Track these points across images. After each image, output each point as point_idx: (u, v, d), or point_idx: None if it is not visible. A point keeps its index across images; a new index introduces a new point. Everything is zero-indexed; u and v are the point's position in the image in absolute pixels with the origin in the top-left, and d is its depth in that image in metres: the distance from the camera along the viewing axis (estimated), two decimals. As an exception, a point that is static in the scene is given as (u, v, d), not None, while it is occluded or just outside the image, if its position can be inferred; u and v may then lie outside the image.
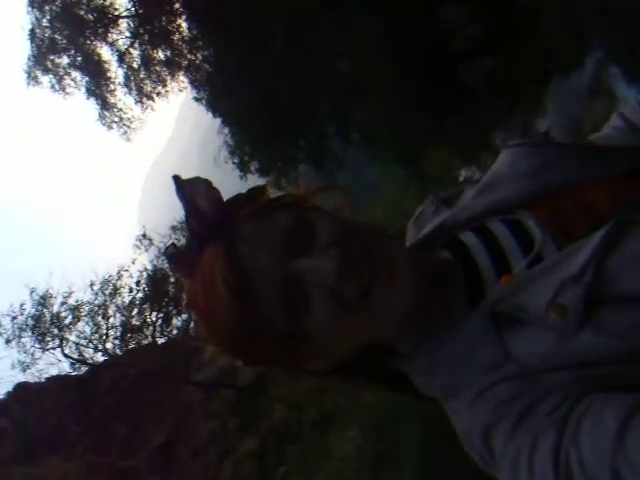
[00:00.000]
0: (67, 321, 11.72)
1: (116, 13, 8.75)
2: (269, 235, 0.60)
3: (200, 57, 9.14)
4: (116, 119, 9.93)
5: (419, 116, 7.98)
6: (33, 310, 11.47)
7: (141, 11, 8.56)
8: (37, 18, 8.64)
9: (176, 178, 0.63)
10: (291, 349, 0.61)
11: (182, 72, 9.47)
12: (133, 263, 12.37)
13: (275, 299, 0.58)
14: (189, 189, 0.62)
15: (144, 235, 12.51)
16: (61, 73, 9.15)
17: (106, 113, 9.82)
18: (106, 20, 8.66)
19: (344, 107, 9.32)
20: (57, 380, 12.14)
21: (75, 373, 12.27)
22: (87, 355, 12.01)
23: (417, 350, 0.64)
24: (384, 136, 8.65)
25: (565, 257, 0.58)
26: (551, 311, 0.55)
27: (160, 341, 12.43)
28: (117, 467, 10.12)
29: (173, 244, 0.67)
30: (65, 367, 11.96)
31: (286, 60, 8.07)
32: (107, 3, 8.62)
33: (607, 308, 0.54)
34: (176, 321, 12.57)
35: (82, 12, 8.60)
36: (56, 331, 11.59)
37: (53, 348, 11.56)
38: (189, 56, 9.20)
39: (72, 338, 11.80)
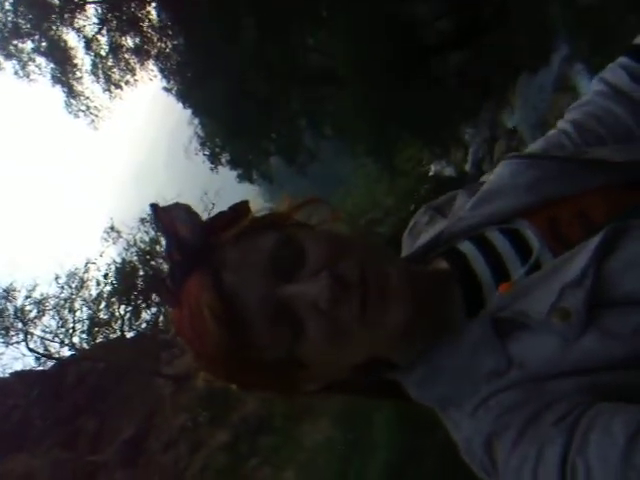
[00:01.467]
0: (32, 315, 11.45)
1: (83, -2, 8.51)
2: (255, 260, 0.58)
3: (170, 46, 8.98)
4: (83, 107, 9.69)
5: (390, 109, 8.02)
6: (-4, 304, 11.17)
7: (109, -3, 8.35)
8: (0, 1, 8.34)
9: (154, 206, 0.61)
10: (285, 375, 0.60)
11: (151, 61, 9.28)
12: (101, 256, 12.13)
13: (266, 327, 0.56)
14: (168, 217, 0.60)
15: (112, 227, 12.27)
16: (25, 59, 8.86)
17: (72, 101, 9.56)
18: (72, 5, 8.40)
19: (315, 100, 9.31)
20: (21, 375, 11.86)
21: (41, 368, 12.01)
22: (53, 349, 11.76)
23: (415, 361, 0.63)
24: (355, 129, 8.67)
25: (564, 263, 0.58)
26: (554, 315, 0.55)
27: (129, 335, 12.25)
28: (85, 462, 9.97)
29: (158, 275, 0.65)
30: (30, 362, 11.69)
31: (257, 51, 8.01)
32: (73, -13, 8.36)
33: (609, 311, 0.54)
34: (145, 315, 12.40)
35: (47, -4, 8.33)
36: (20, 325, 11.31)
37: (17, 342, 11.29)
38: (159, 44, 9.02)
39: (37, 332, 11.54)
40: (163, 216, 0.60)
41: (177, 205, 0.61)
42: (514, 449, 0.52)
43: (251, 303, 0.56)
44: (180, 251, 0.59)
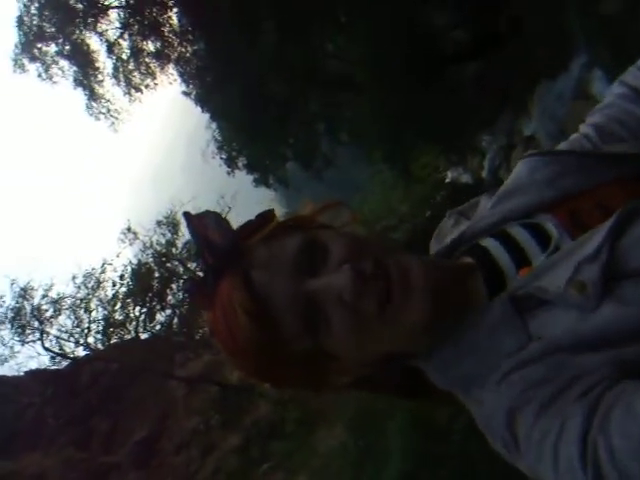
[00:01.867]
0: (48, 314, 11.55)
1: (106, 3, 8.65)
2: (282, 259, 0.62)
3: (190, 50, 9.08)
4: (103, 110, 9.83)
5: (407, 116, 8.03)
6: (13, 302, 11.30)
7: (131, 2, 8.48)
8: (25, 5, 8.51)
9: (186, 214, 0.65)
10: (316, 368, 0.63)
11: (172, 65, 9.40)
12: (117, 257, 12.23)
13: (295, 321, 0.60)
14: (199, 223, 0.64)
15: (129, 229, 12.37)
16: (48, 62, 9.02)
17: (94, 104, 9.71)
18: (96, 9, 8.55)
19: (333, 105, 9.35)
20: (36, 374, 11.96)
21: (55, 367, 12.09)
22: (68, 349, 11.84)
23: (437, 346, 0.64)
24: (372, 135, 8.69)
25: (580, 243, 0.60)
26: (571, 288, 0.56)
27: (143, 336, 12.31)
28: (97, 462, 10.01)
29: (190, 278, 0.68)
30: (45, 361, 11.79)
31: (276, 55, 8.07)
32: (97, -8, 8.51)
33: (624, 282, 0.56)
34: (160, 316, 12.45)
35: (72, 1, 8.48)
36: (36, 324, 11.41)
37: (33, 341, 11.38)
38: (179, 49, 9.14)
39: (53, 331, 11.63)
40: (195, 223, 0.64)
41: (208, 212, 0.65)
42: (536, 423, 0.53)
43: (279, 298, 0.60)
44: (212, 255, 0.63)
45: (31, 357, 11.44)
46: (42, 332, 11.36)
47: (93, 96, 9.57)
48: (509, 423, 0.55)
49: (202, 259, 0.64)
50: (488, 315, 0.61)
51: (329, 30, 8.44)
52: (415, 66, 7.62)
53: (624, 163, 0.68)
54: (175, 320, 12.37)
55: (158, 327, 12.46)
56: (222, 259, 0.62)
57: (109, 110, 9.84)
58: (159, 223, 12.21)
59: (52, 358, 11.75)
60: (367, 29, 7.62)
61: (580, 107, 6.70)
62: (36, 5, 8.44)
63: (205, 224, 0.64)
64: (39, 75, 9.15)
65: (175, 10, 8.88)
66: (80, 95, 9.75)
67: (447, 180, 12.07)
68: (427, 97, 7.83)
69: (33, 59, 8.98)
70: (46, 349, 11.45)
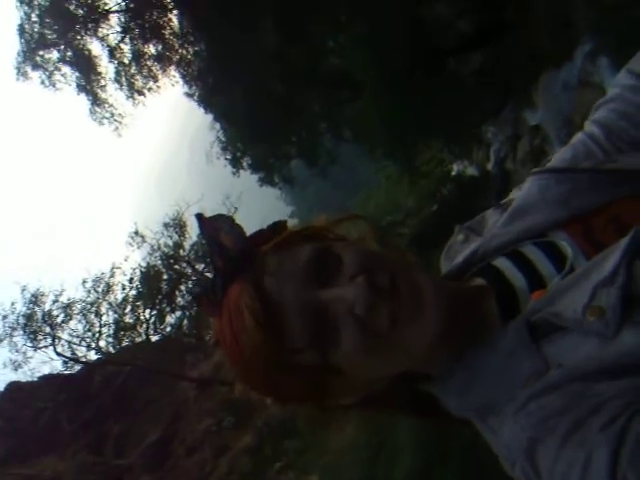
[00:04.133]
0: (59, 319, 11.64)
1: (106, 8, 8.67)
2: (295, 266, 0.60)
3: (191, 52, 9.09)
4: (107, 115, 9.86)
5: (408, 112, 8.00)
6: (24, 309, 11.39)
7: (132, 5, 8.49)
8: (26, 13, 8.54)
9: (199, 217, 0.64)
10: (322, 382, 0.60)
11: (173, 67, 9.41)
12: (126, 260, 12.29)
13: (304, 330, 0.58)
14: (212, 227, 0.63)
15: (136, 232, 12.42)
16: (51, 68, 9.06)
17: (97, 109, 9.75)
18: (96, 15, 8.57)
19: (335, 103, 9.33)
20: (49, 379, 12.06)
21: (68, 372, 12.20)
22: (80, 353, 11.94)
23: (451, 370, 0.62)
24: (374, 133, 8.67)
25: (595, 264, 0.58)
26: (589, 314, 0.54)
27: (154, 339, 12.38)
28: (111, 465, 10.08)
29: (199, 281, 0.66)
30: (58, 366, 11.89)
31: (277, 56, 8.06)
32: (97, -3, 8.54)
33: None
34: (170, 318, 12.52)
35: (72, 7, 8.51)
36: (48, 329, 11.51)
37: (45, 347, 11.48)
38: (180, 51, 9.15)
39: (64, 336, 11.72)
40: (208, 226, 0.64)
41: (221, 216, 0.65)
42: (559, 454, 0.50)
43: (289, 306, 0.58)
44: (223, 259, 0.62)
45: (44, 362, 11.55)
46: (54, 337, 11.46)
47: (96, 101, 9.61)
48: (529, 454, 0.53)
49: (212, 263, 0.63)
50: (503, 341, 0.59)
51: (329, 29, 8.42)
52: (417, 61, 7.58)
53: (636, 179, 0.65)
54: (185, 322, 12.42)
55: (168, 329, 12.53)
56: (233, 264, 0.61)
57: (112, 115, 9.89)
58: (166, 225, 12.26)
59: (65, 363, 11.86)
60: (368, 27, 7.59)
61: (586, 96, 6.64)
62: (37, 13, 8.47)
63: (218, 227, 0.63)
64: (42, 82, 9.20)
65: (175, 12, 8.88)
66: (83, 100, 9.81)
67: (453, 173, 12.02)
68: (429, 91, 7.79)
69: (36, 66, 9.03)
70: (58, 354, 11.54)
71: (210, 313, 0.63)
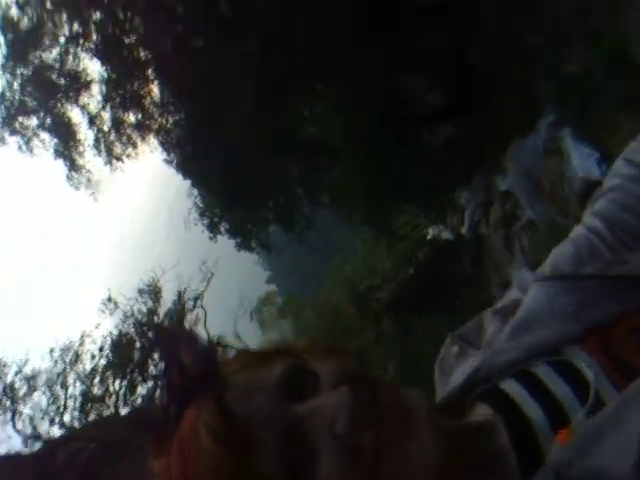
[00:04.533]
0: (22, 392, 11.04)
1: (89, 78, 8.89)
2: (263, 381, 0.52)
3: (171, 121, 9.30)
4: (84, 180, 9.89)
5: (383, 178, 8.25)
6: (-18, 380, 10.82)
7: (113, 77, 8.73)
8: (8, 82, 8.71)
9: (156, 329, 0.58)
10: None
11: (152, 135, 9.58)
12: (97, 328, 11.91)
13: (274, 453, 0.49)
14: (170, 340, 0.58)
15: (109, 298, 12.11)
16: (29, 135, 9.14)
17: (74, 174, 9.77)
18: (78, 84, 8.78)
19: (312, 169, 9.55)
20: (6, 460, 11.28)
21: (27, 450, 11.43)
22: (42, 429, 11.25)
23: None
24: (351, 198, 8.86)
25: (632, 399, 0.50)
26: None
27: (123, 411, 11.80)
28: None
29: (143, 408, 0.58)
30: (17, 444, 11.13)
31: (254, 123, 8.30)
32: (80, 69, 8.77)
33: None
34: (141, 389, 12.00)
35: (54, 76, 8.71)
36: (8, 403, 10.88)
37: (4, 422, 10.81)
38: (160, 119, 9.34)
39: (26, 411, 11.08)
40: (166, 339, 0.58)
41: (181, 328, 0.58)
42: None
43: (259, 421, 0.49)
44: (181, 378, 0.54)
45: (0, 441, 10.82)
46: (14, 412, 10.82)
47: (74, 167, 9.64)
48: None
49: (165, 383, 0.55)
50: None
51: (306, 97, 8.75)
52: (391, 130, 7.89)
53: None
54: (157, 392, 11.93)
55: (139, 400, 11.98)
56: (192, 384, 0.52)
57: (89, 180, 9.91)
58: (140, 291, 12.01)
59: (24, 440, 11.13)
60: (343, 96, 7.93)
61: (551, 162, 6.96)
62: (19, 82, 8.64)
63: (176, 341, 0.56)
64: (19, 147, 9.25)
65: (156, 82, 9.15)
66: (60, 166, 9.83)
67: (428, 237, 12.23)
68: (403, 159, 8.07)
69: (14, 132, 9.11)
70: (17, 431, 10.86)
71: (157, 452, 0.53)
